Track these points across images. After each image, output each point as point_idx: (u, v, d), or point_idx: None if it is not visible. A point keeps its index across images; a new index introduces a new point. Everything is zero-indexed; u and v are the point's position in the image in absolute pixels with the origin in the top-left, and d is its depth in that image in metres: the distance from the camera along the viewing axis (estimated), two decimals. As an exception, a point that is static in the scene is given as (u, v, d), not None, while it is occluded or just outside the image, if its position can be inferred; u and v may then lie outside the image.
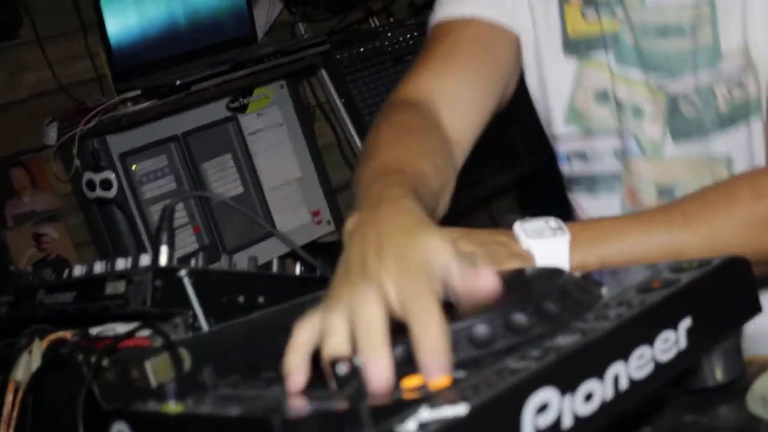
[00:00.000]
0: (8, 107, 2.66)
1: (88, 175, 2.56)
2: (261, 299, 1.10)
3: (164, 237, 1.10)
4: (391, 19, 3.41)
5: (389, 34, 3.28)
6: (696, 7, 1.24)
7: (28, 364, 1.17)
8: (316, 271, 1.19)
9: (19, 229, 2.62)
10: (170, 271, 1.06)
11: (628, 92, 1.33)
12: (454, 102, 1.36)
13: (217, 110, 2.85)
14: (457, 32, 1.39)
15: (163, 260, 1.07)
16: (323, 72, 3.12)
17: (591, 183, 1.42)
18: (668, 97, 1.30)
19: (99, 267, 1.22)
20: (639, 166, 1.35)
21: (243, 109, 2.91)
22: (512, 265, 0.98)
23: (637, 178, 1.36)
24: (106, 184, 2.54)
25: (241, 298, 1.09)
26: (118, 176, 2.58)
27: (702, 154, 1.30)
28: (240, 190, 2.88)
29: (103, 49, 2.68)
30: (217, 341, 1.01)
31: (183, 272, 1.05)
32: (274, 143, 2.95)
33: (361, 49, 3.19)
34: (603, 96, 1.37)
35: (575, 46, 1.37)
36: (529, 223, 1.04)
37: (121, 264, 1.17)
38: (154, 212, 2.67)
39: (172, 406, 0.78)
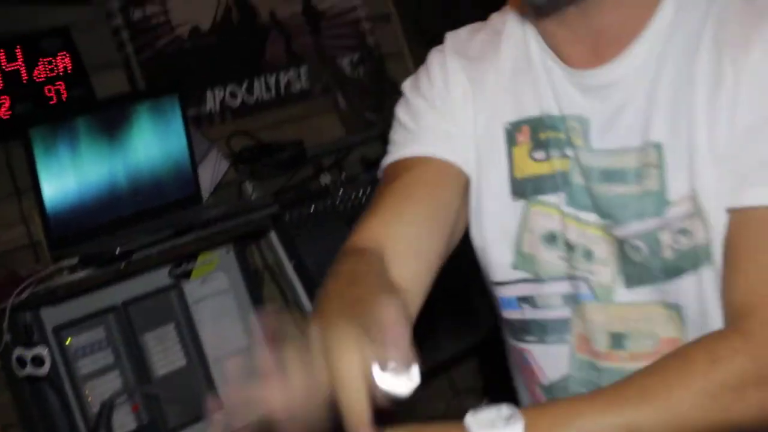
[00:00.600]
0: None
1: (18, 351, 2.49)
2: None
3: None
4: (343, 175, 3.44)
5: (341, 192, 3.30)
6: (642, 152, 1.25)
7: None
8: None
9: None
10: None
11: (579, 234, 1.34)
12: (403, 248, 1.34)
13: (159, 277, 2.82)
14: (406, 173, 1.40)
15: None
16: (272, 234, 3.12)
17: (541, 330, 1.41)
18: (616, 241, 1.30)
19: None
20: (591, 311, 1.34)
21: (187, 275, 2.88)
22: None
23: (588, 324, 1.35)
24: (38, 361, 2.48)
25: None
26: (51, 351, 2.51)
27: (652, 300, 1.30)
28: (183, 362, 2.83)
29: (39, 214, 2.64)
30: None
31: None
32: (219, 311, 2.93)
33: (312, 209, 3.20)
34: (551, 239, 1.37)
35: (522, 188, 1.38)
36: (481, 414, 1.01)
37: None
38: (90, 389, 2.60)
39: None
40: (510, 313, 1.44)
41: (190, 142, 2.94)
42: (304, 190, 3.30)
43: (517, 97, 1.39)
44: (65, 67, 2.81)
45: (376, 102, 3.59)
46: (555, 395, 1.40)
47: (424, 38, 3.70)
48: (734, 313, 1.15)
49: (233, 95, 3.39)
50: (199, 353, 2.87)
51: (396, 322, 1.00)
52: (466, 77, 1.43)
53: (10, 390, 2.63)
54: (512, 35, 1.42)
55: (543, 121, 1.36)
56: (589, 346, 1.35)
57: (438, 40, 1.48)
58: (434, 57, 1.47)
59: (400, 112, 1.46)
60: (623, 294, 1.31)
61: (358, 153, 3.52)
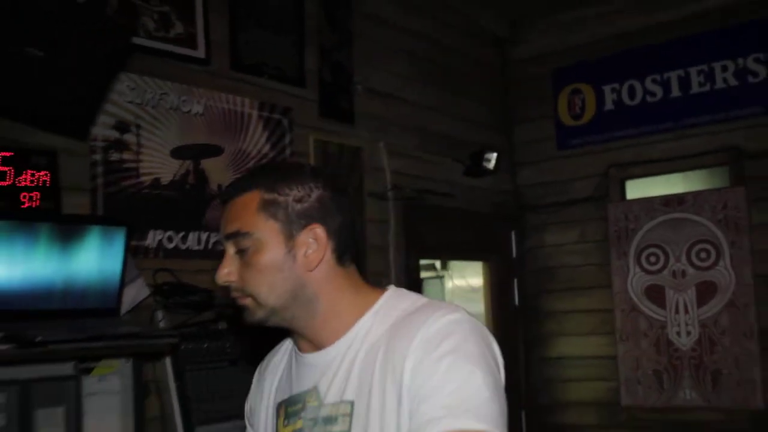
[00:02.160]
0: None
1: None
2: None
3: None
4: (236, 326, 3.43)
5: (232, 338, 3.31)
6: (343, 405, 1.58)
7: None
8: None
9: None
10: None
11: None
12: None
13: (64, 367, 2.76)
14: None
15: None
16: (167, 359, 3.09)
17: None
18: None
19: None
20: None
21: (88, 371, 2.82)
22: None
23: None
24: (-56, 410, 2.42)
25: None
26: (-43, 406, 2.45)
27: None
28: (61, 441, 2.73)
29: (-20, 290, 2.59)
30: None
31: None
32: (105, 408, 2.86)
33: (205, 346, 3.20)
34: None
35: None
36: None
37: None
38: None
39: None
40: None
41: (124, 266, 2.93)
42: (203, 329, 3.27)
43: (281, 388, 1.76)
44: (44, 182, 2.82)
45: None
46: None
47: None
48: None
49: (170, 239, 3.41)
50: (77, 438, 2.79)
51: None
52: (259, 382, 1.88)
53: None
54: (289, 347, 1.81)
55: (291, 400, 1.70)
56: None
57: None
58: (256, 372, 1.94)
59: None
60: None
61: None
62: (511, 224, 5.60)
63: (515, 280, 5.58)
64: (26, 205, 2.78)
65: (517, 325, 5.52)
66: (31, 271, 2.67)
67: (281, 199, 1.59)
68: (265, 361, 1.88)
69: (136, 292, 3.10)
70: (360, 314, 1.63)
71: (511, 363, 5.37)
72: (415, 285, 4.69)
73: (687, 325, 4.90)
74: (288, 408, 1.69)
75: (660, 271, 5.01)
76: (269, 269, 1.57)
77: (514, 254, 5.60)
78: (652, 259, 5.04)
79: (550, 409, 5.44)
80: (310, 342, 1.66)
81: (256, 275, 1.57)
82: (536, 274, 5.57)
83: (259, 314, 1.61)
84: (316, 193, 1.61)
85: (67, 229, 2.77)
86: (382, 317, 1.61)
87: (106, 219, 3.04)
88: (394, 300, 1.65)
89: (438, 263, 5.89)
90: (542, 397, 5.47)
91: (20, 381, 2.65)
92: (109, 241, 2.87)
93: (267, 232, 1.58)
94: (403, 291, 1.69)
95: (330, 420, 1.57)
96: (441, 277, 6.05)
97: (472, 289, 5.76)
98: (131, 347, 2.80)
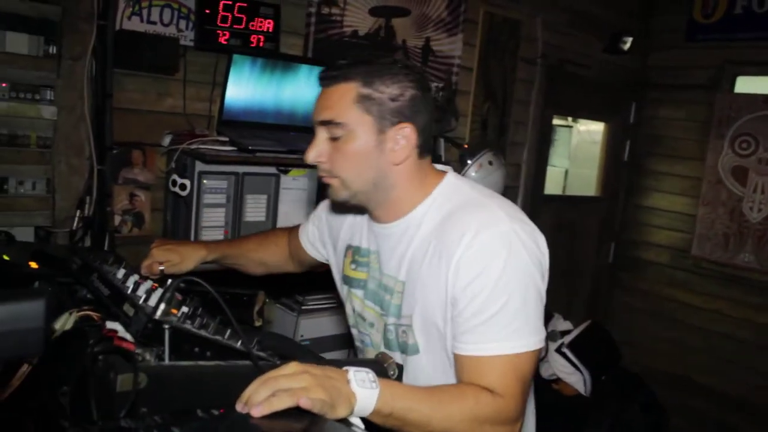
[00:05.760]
0: (148, 114, 2.69)
1: (174, 176, 2.59)
2: (209, 354, 1.15)
3: (166, 298, 1.16)
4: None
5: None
6: (398, 281, 1.43)
7: (65, 322, 1.22)
8: (251, 348, 1.21)
9: (123, 186, 2.66)
10: (159, 323, 1.12)
11: (367, 313, 1.52)
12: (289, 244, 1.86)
13: (269, 168, 2.87)
14: (293, 236, 1.86)
15: (158, 314, 1.13)
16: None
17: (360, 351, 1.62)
18: (384, 323, 1.47)
19: (131, 281, 1.27)
20: (370, 353, 1.53)
21: (285, 172, 2.93)
22: (342, 407, 1.04)
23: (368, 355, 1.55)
24: (183, 187, 2.58)
25: (196, 350, 1.14)
26: (192, 184, 2.61)
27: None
28: (263, 218, 2.89)
29: (220, 101, 2.69)
30: (171, 374, 1.05)
31: (166, 326, 1.11)
32: (295, 198, 2.98)
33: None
34: (353, 311, 1.58)
35: (347, 281, 1.59)
36: (359, 373, 1.10)
37: (143, 290, 1.22)
38: (206, 212, 2.68)
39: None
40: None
41: (322, 97, 2.95)
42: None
43: (352, 234, 1.58)
44: (268, 28, 2.83)
45: (443, 118, 3.59)
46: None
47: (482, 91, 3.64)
48: (480, 386, 1.24)
49: (359, 79, 3.36)
50: (274, 216, 2.92)
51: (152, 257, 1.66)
52: (329, 222, 1.69)
53: (164, 193, 2.75)
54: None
55: (359, 250, 1.55)
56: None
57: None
58: (323, 205, 1.75)
59: (314, 211, 1.80)
60: (383, 349, 1.49)
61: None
62: (633, 96, 5.25)
63: (628, 141, 5.30)
64: (254, 44, 2.81)
65: (622, 177, 5.30)
66: (253, 94, 2.75)
67: (376, 95, 1.32)
68: (336, 208, 1.67)
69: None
70: (419, 201, 1.41)
71: (611, 205, 5.25)
72: (546, 132, 4.54)
73: (760, 203, 4.55)
74: (355, 255, 1.55)
75: (749, 156, 4.62)
76: (358, 158, 1.33)
77: (632, 120, 5.29)
78: (744, 145, 4.64)
79: (634, 245, 5.28)
80: (374, 215, 1.47)
81: (345, 162, 1.34)
82: (646, 139, 5.25)
83: (343, 194, 1.38)
84: (409, 93, 1.33)
85: (282, 64, 2.80)
86: (437, 207, 1.39)
87: (313, 60, 3.04)
88: (449, 190, 1.42)
89: (570, 118, 5.63)
90: (630, 234, 5.31)
91: (238, 173, 2.78)
92: (313, 75, 2.86)
93: (360, 125, 1.32)
94: (459, 181, 1.45)
95: (387, 289, 1.45)
96: (570, 127, 5.80)
97: (593, 141, 5.51)
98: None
